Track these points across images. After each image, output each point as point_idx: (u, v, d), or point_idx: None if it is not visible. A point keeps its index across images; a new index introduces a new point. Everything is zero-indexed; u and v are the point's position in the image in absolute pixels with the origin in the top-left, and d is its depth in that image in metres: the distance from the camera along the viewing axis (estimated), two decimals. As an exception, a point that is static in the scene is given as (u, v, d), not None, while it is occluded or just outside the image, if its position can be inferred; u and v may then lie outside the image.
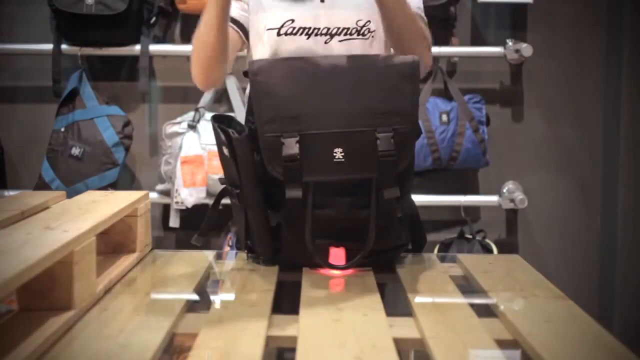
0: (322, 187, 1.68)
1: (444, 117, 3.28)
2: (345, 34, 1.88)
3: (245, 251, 1.87)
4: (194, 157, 3.18)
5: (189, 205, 3.18)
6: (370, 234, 1.69)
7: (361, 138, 1.64)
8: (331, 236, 1.73)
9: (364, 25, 1.88)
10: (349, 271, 1.74)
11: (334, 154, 1.63)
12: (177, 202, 3.20)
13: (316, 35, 1.87)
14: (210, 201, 2.87)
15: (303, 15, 1.87)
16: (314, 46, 1.85)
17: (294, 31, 1.87)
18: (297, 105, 1.64)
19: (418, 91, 1.68)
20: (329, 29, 1.87)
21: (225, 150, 1.75)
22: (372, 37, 1.88)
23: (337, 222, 1.71)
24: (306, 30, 1.87)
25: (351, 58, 1.74)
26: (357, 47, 1.87)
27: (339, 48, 1.86)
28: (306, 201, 1.67)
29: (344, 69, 1.67)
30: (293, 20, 1.87)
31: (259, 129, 1.66)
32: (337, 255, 1.73)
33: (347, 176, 1.65)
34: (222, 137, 1.74)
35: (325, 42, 1.86)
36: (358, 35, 1.88)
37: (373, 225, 1.69)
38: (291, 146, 1.63)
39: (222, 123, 1.77)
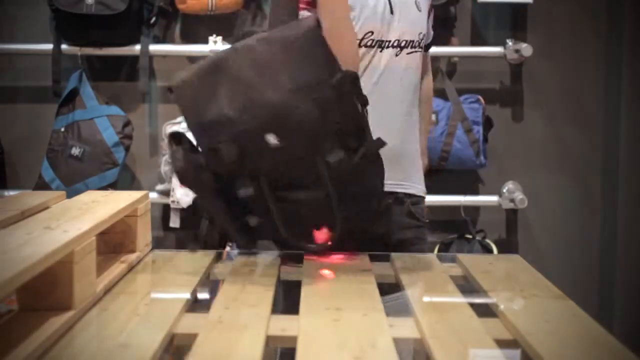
0: (275, 179, 1.67)
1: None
2: (412, 47, 1.95)
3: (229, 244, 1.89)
4: (193, 157, 3.18)
5: (185, 206, 3.18)
6: (334, 207, 1.67)
7: (288, 117, 1.61)
8: (304, 220, 1.72)
9: (422, 38, 1.96)
10: (347, 259, 1.74)
11: (270, 141, 1.61)
12: (172, 202, 3.20)
13: (387, 47, 1.92)
14: (210, 201, 2.87)
15: (378, 27, 1.90)
16: (386, 58, 1.91)
17: (373, 43, 1.90)
18: (219, 108, 1.62)
19: (329, 50, 1.62)
20: (398, 41, 1.92)
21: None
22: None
23: (302, 207, 1.70)
24: (379, 43, 1.91)
25: (257, 43, 1.67)
26: (417, 58, 1.95)
27: (406, 60, 1.92)
28: (266, 195, 1.67)
29: (254, 59, 1.63)
30: (372, 33, 1.89)
31: (196, 142, 1.66)
32: (320, 236, 1.73)
33: (290, 157, 1.63)
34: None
35: (396, 55, 1.91)
36: (419, 47, 1.96)
37: (334, 196, 1.66)
38: (228, 150, 1.62)
39: (176, 140, 1.72)
